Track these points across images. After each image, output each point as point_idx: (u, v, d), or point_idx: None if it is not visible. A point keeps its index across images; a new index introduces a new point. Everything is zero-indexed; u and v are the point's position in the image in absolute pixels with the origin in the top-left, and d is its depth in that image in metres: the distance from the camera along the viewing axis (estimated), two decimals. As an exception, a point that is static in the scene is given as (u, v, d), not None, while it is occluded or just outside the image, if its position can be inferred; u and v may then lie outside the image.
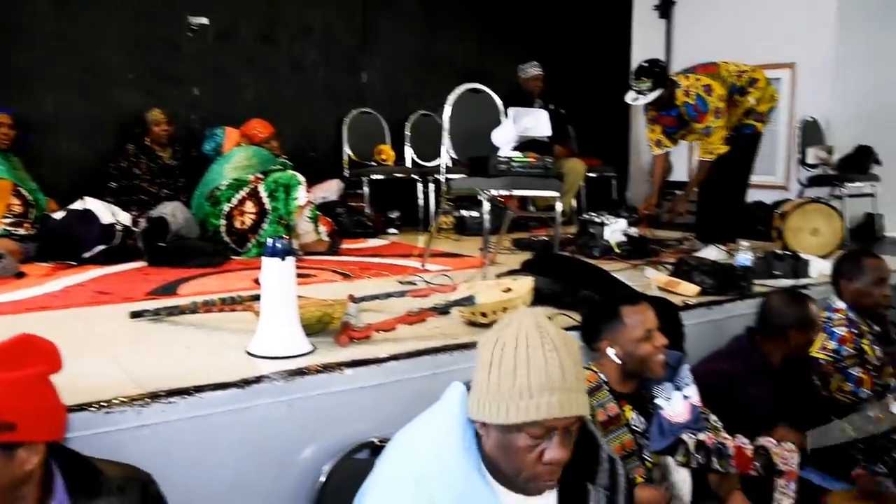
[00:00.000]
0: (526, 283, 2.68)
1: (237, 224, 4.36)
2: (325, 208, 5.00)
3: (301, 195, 4.42)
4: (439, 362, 2.38)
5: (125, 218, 4.19)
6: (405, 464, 1.45)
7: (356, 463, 2.07)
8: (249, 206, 4.37)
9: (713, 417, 2.40)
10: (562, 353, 1.39)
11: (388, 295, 2.87)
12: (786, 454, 1.80)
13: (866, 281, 3.07)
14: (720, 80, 4.48)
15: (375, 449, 2.13)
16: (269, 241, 2.18)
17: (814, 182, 5.56)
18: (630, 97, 4.56)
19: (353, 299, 2.67)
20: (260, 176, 4.44)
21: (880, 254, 3.32)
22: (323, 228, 4.60)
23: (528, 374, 1.36)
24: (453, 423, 1.46)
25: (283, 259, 2.17)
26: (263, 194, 4.38)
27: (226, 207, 4.37)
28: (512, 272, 3.23)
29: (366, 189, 5.78)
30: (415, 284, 3.34)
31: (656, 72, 4.49)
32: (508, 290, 2.65)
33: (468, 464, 1.43)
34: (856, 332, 3.04)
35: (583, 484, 1.54)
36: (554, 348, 1.39)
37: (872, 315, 3.14)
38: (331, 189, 5.53)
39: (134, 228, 4.13)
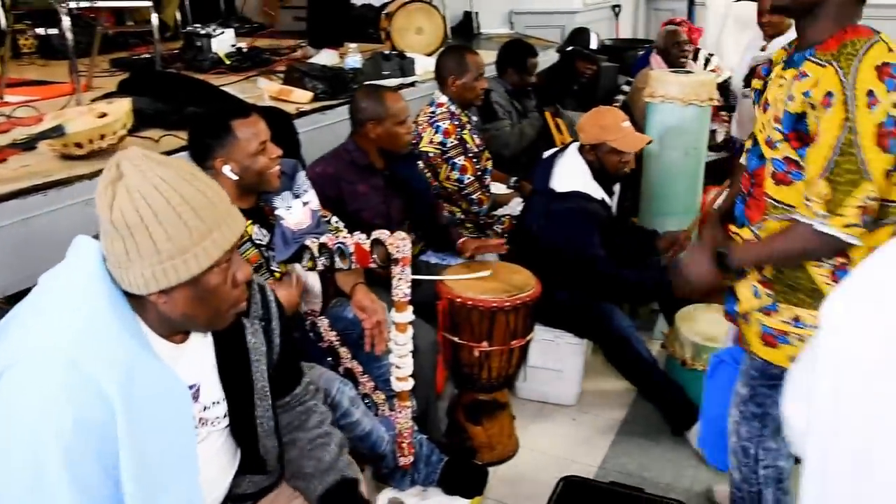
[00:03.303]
0: (123, 105, 2.42)
1: None
2: None
3: None
4: (31, 205, 2.11)
5: None
6: (48, 343, 1.20)
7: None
8: None
9: (334, 219, 2.46)
10: (199, 176, 1.28)
11: (-46, 136, 2.42)
12: (399, 243, 1.90)
13: (470, 76, 3.28)
14: None
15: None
16: None
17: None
18: None
19: None
20: None
21: (478, 49, 3.55)
22: None
23: (195, 213, 1.22)
24: (97, 289, 1.25)
25: None
26: None
27: None
28: (108, 95, 2.90)
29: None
30: (-9, 120, 2.86)
31: None
32: (104, 114, 2.38)
33: (126, 333, 1.26)
34: (457, 123, 3.27)
35: (237, 320, 1.46)
36: (190, 175, 1.26)
37: (470, 106, 3.39)
38: None
39: None
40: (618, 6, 7.14)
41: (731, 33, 7.01)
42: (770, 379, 1.90)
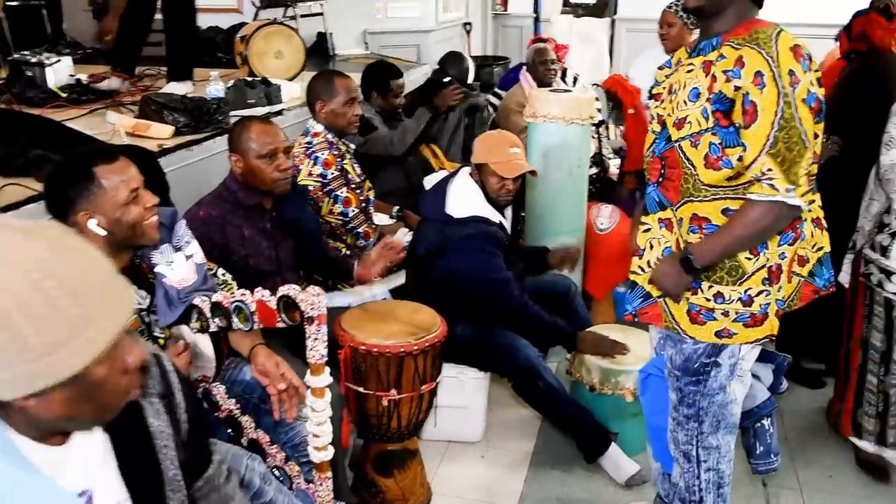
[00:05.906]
0: (-45, 154, 2.05)
1: None
2: None
3: None
4: None
5: None
6: None
7: None
8: None
9: (220, 271, 2.20)
10: (76, 245, 1.02)
11: None
12: (312, 299, 1.68)
13: (339, 101, 3.06)
14: None
15: None
16: None
17: (267, 3, 5.42)
18: None
19: None
20: None
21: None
22: None
23: (73, 298, 0.96)
24: None
25: None
26: None
27: None
28: (-70, 140, 2.47)
29: None
30: None
31: None
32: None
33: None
34: (337, 153, 3.05)
35: (133, 402, 1.20)
36: (65, 246, 1.00)
37: (346, 134, 3.16)
38: None
39: None
40: (469, 24, 7.15)
41: (576, 49, 7.23)
42: (694, 374, 1.96)
